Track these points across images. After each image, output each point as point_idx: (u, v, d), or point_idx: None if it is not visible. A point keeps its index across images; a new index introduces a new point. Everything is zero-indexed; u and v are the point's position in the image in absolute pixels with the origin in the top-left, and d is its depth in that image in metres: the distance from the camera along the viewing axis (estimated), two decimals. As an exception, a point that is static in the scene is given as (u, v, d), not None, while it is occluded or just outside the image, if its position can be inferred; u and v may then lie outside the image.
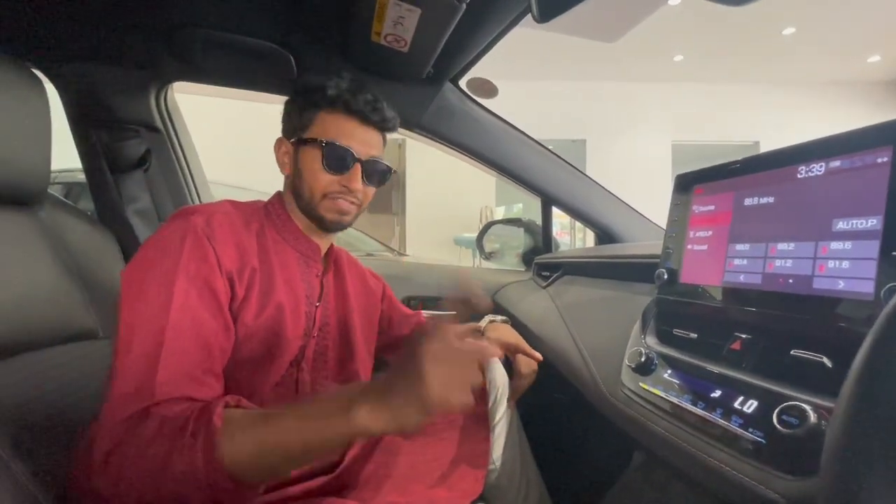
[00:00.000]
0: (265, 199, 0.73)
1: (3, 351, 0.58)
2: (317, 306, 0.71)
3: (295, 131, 0.68)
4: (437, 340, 0.43)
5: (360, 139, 0.67)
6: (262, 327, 0.61)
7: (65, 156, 1.04)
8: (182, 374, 0.50)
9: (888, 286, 0.35)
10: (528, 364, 0.83)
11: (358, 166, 0.66)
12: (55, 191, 0.88)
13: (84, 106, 1.03)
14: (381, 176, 0.70)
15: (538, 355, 0.83)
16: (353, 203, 0.68)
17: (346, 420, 0.42)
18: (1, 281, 0.60)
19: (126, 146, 1.05)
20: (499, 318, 0.91)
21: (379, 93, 0.69)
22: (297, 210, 0.70)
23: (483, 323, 0.87)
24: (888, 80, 6.07)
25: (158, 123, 1.10)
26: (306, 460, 0.47)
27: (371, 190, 0.71)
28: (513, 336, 0.86)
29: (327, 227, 0.69)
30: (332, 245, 0.77)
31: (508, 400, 0.82)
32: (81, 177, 1.12)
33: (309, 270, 0.70)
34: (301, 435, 0.44)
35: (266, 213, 0.69)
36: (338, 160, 0.65)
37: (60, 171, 2.01)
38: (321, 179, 0.66)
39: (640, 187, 4.15)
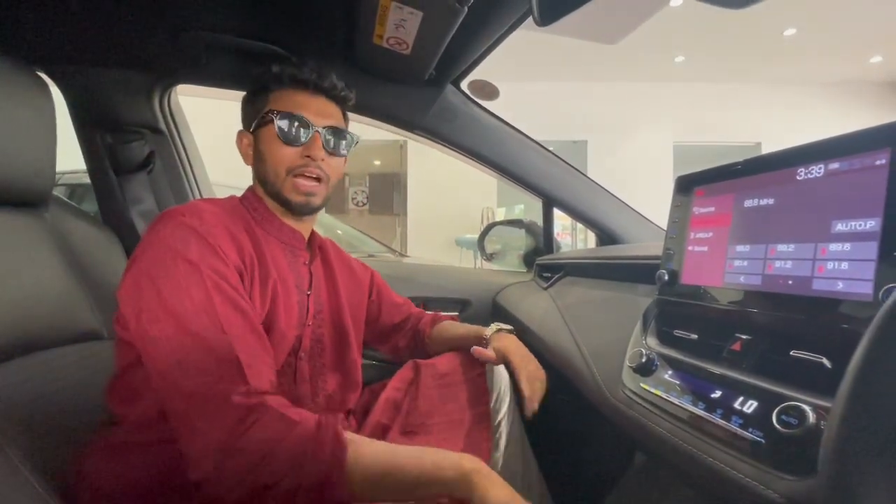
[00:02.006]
0: None
1: (8, 351, 0.58)
2: (308, 294, 0.71)
3: (251, 120, 0.69)
4: None
5: (314, 109, 0.67)
6: (264, 315, 0.62)
7: (69, 157, 1.04)
8: (257, 360, 0.52)
9: (886, 287, 0.36)
10: (528, 379, 0.79)
11: (317, 134, 0.66)
12: (59, 192, 0.89)
13: (88, 108, 1.04)
14: (342, 143, 0.70)
15: (529, 394, 0.78)
16: (317, 178, 0.67)
17: (453, 481, 0.49)
18: (6, 282, 0.60)
19: (130, 148, 1.06)
20: (506, 326, 0.89)
21: (381, 95, 0.70)
22: (268, 198, 0.70)
23: (489, 331, 0.86)
24: (890, 80, 6.05)
25: (162, 126, 1.11)
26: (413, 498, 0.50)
27: (336, 161, 0.69)
28: (515, 352, 0.82)
29: (294, 210, 0.69)
30: (314, 232, 0.78)
31: (523, 414, 0.81)
32: (86, 178, 1.13)
33: (296, 259, 0.71)
34: (415, 481, 0.49)
35: (245, 208, 0.69)
36: (294, 130, 0.65)
37: (65, 173, 2.03)
38: (281, 155, 0.66)
39: (642, 188, 4.15)
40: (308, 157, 0.65)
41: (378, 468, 0.49)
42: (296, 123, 0.65)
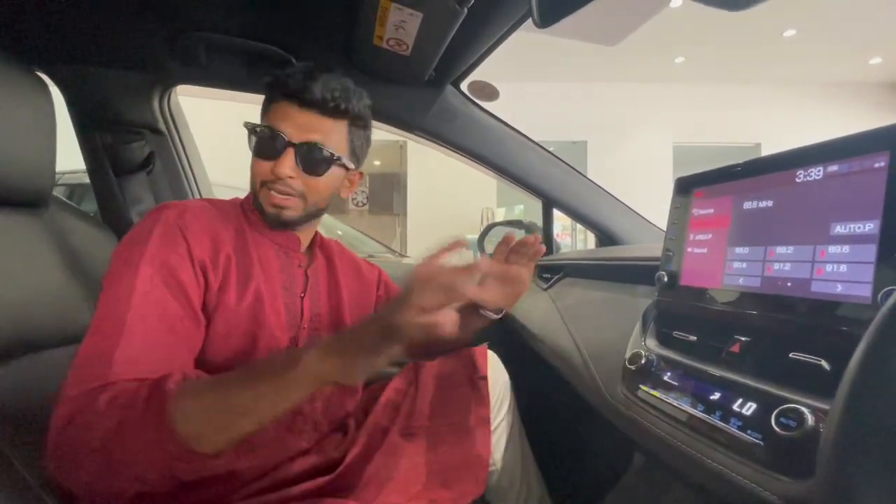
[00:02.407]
0: None
1: (8, 352, 0.58)
2: (302, 297, 0.70)
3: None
4: (423, 265, 0.42)
5: (296, 122, 0.62)
6: (245, 316, 0.61)
7: (69, 157, 1.04)
8: (142, 356, 0.49)
9: (885, 290, 0.36)
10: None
11: (290, 151, 0.61)
12: (58, 192, 0.89)
13: (88, 109, 1.04)
14: (320, 163, 0.63)
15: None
16: (287, 194, 0.63)
17: (295, 369, 0.42)
18: (5, 282, 0.60)
19: (130, 148, 1.06)
20: None
21: (381, 96, 0.68)
22: None
23: None
24: (890, 81, 6.06)
25: (162, 126, 1.11)
26: (260, 417, 0.44)
27: (313, 181, 0.64)
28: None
29: (269, 221, 0.66)
30: (317, 235, 0.77)
31: (523, 415, 0.79)
32: (85, 178, 1.13)
33: (290, 262, 0.70)
34: (253, 389, 0.43)
35: (243, 208, 0.69)
36: (265, 144, 0.62)
37: (64, 173, 2.03)
38: (256, 168, 0.64)
39: (641, 189, 4.15)
40: (275, 173, 0.62)
41: (212, 413, 0.44)
42: (266, 137, 0.62)
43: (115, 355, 0.48)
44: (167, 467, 0.43)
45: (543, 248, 0.73)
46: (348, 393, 0.78)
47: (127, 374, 0.47)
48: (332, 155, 0.64)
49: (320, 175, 0.64)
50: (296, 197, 0.64)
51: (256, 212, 0.68)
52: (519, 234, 1.34)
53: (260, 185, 0.64)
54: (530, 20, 0.65)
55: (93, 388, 0.46)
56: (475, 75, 1.09)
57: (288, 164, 0.61)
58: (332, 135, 0.64)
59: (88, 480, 0.44)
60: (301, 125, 0.62)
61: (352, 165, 0.69)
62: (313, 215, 0.69)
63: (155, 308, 0.52)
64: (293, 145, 0.62)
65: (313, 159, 0.63)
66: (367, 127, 0.70)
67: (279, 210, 0.64)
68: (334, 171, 0.66)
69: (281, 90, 0.63)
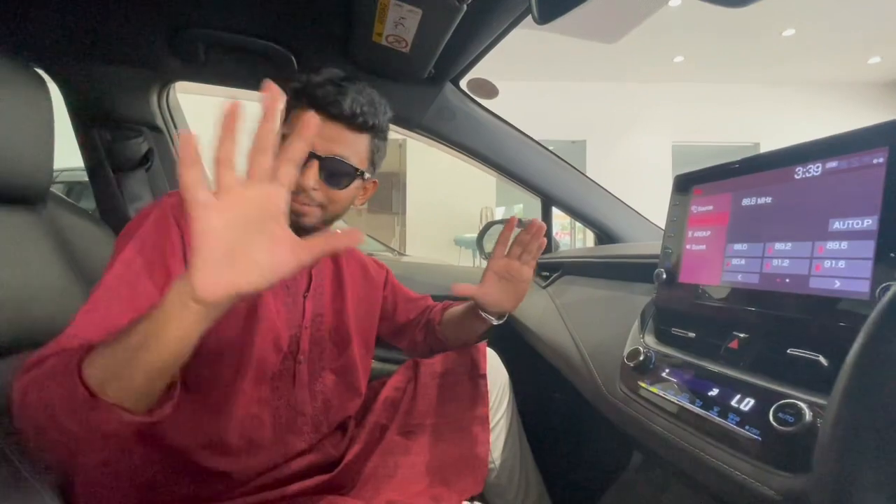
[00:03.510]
0: None
1: (6, 348, 0.58)
2: (305, 296, 0.70)
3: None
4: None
5: (321, 134, 0.62)
6: (237, 310, 0.60)
7: (67, 154, 1.04)
8: (92, 327, 0.48)
9: (883, 285, 0.36)
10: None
11: (314, 163, 0.61)
12: (56, 190, 0.89)
13: (86, 105, 1.04)
14: (344, 178, 0.64)
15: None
16: (307, 205, 0.63)
17: (163, 299, 0.39)
18: (3, 279, 0.60)
19: (128, 145, 1.06)
20: None
21: (380, 93, 0.67)
22: None
23: None
24: (888, 81, 6.07)
25: (160, 123, 1.11)
26: (152, 359, 0.40)
27: (335, 193, 0.64)
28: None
29: None
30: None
31: (521, 412, 0.79)
32: (83, 176, 1.13)
33: None
34: (138, 329, 0.40)
35: None
36: None
37: (62, 170, 2.02)
38: None
39: (641, 188, 4.15)
40: (298, 184, 0.61)
41: (111, 357, 0.42)
42: None
43: (70, 329, 0.47)
44: (84, 419, 0.41)
45: (545, 240, 0.73)
46: (350, 397, 0.78)
47: (72, 344, 0.46)
48: (356, 170, 0.64)
49: (343, 188, 0.65)
50: (316, 207, 0.64)
51: None
52: (517, 233, 1.34)
53: None
54: (530, 17, 0.65)
55: (34, 360, 0.45)
56: (475, 73, 1.09)
57: (312, 177, 0.61)
58: (355, 148, 0.65)
59: (35, 438, 0.44)
60: (326, 138, 0.62)
61: (369, 175, 0.69)
62: (329, 223, 0.69)
63: (126, 288, 0.51)
64: (318, 158, 0.61)
65: (337, 173, 0.63)
66: (386, 138, 0.71)
67: (298, 216, 0.64)
68: (355, 184, 0.66)
69: (308, 100, 0.62)
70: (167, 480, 0.60)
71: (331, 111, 0.61)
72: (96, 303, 0.50)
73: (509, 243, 0.76)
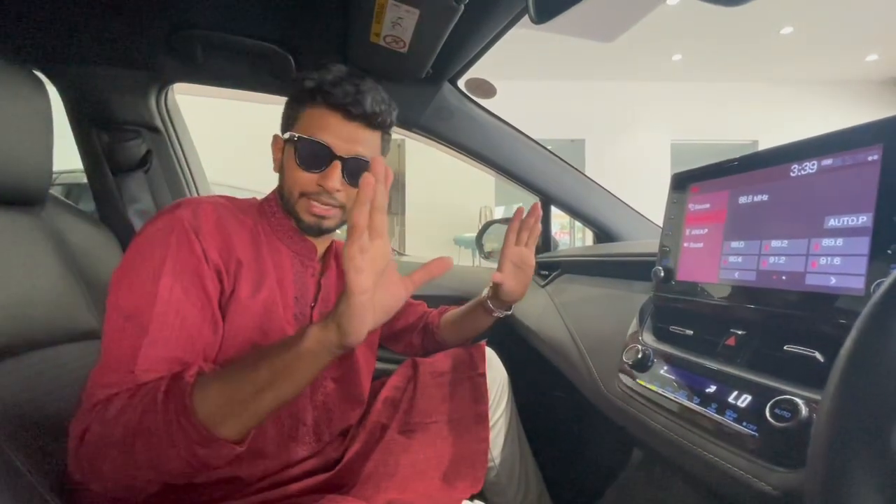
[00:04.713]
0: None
1: (5, 350, 0.58)
2: (312, 307, 0.70)
3: (284, 128, 0.66)
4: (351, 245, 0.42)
5: (342, 135, 0.62)
6: (253, 325, 0.60)
7: (66, 157, 1.04)
8: (164, 362, 0.50)
9: (878, 282, 0.36)
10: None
11: (337, 164, 0.61)
12: (55, 192, 0.89)
13: (85, 107, 1.04)
14: None
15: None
16: (330, 206, 0.64)
17: (301, 343, 0.44)
18: (3, 281, 0.60)
19: (127, 147, 1.06)
20: None
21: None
22: (283, 209, 0.67)
23: (486, 291, 0.85)
24: (886, 78, 6.08)
25: (159, 124, 1.11)
26: (277, 393, 0.45)
27: (355, 191, 0.67)
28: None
29: (305, 229, 0.66)
30: (333, 242, 0.76)
31: (521, 411, 0.80)
32: (82, 178, 1.13)
33: (305, 271, 0.69)
34: (267, 367, 0.45)
35: (261, 211, 0.68)
36: (312, 157, 0.62)
37: (61, 172, 2.02)
38: (297, 178, 0.63)
39: (639, 187, 4.16)
40: (321, 185, 0.62)
41: (231, 396, 0.45)
42: (315, 151, 0.61)
43: (136, 365, 0.49)
44: (190, 455, 0.44)
45: (540, 213, 0.78)
46: (351, 406, 0.78)
47: (147, 378, 0.49)
48: None
49: None
50: (338, 208, 0.65)
51: (279, 217, 0.67)
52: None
53: (299, 195, 0.64)
54: (527, 16, 0.65)
55: (105, 397, 0.47)
56: (473, 72, 1.09)
57: (336, 179, 0.62)
58: (373, 146, 0.66)
59: (111, 479, 0.46)
60: (346, 138, 0.62)
61: None
62: (344, 223, 0.69)
63: (175, 317, 0.52)
64: (341, 159, 0.62)
65: (360, 173, 0.63)
66: (391, 134, 0.72)
67: (320, 220, 0.64)
68: None
69: (325, 98, 0.61)
70: (166, 485, 0.60)
71: (352, 111, 0.61)
72: (154, 332, 0.51)
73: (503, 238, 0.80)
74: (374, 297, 0.45)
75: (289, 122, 0.66)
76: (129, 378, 0.48)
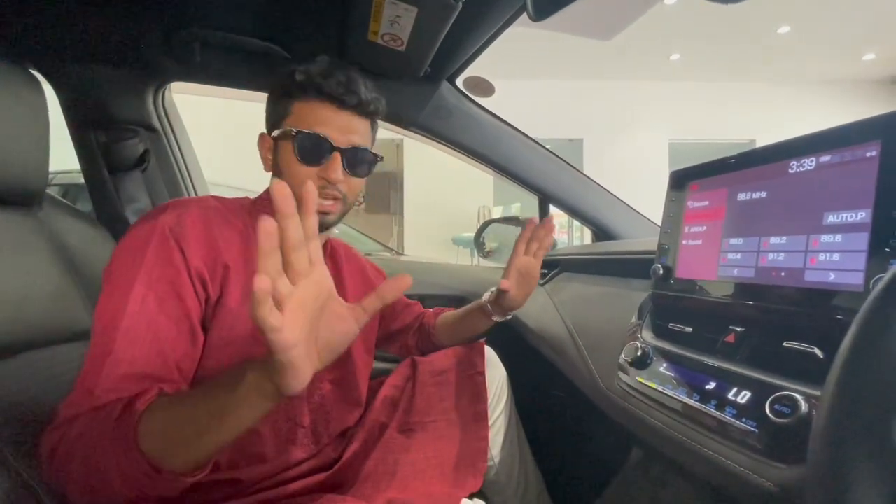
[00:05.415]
0: None
1: (2, 350, 0.58)
2: None
3: (273, 125, 0.65)
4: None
5: (337, 125, 0.61)
6: (244, 327, 0.58)
7: (63, 157, 1.04)
8: (128, 380, 0.48)
9: (876, 278, 0.36)
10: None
11: (337, 155, 0.61)
12: (52, 192, 0.88)
13: (82, 107, 1.03)
14: (367, 165, 0.65)
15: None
16: (334, 198, 0.64)
17: (237, 389, 0.39)
18: (0, 281, 0.60)
19: (124, 146, 1.06)
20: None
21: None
22: None
23: (486, 296, 0.84)
24: (883, 77, 6.10)
25: (156, 124, 1.11)
26: (219, 436, 0.41)
27: (357, 182, 0.65)
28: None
29: None
30: (328, 240, 0.76)
31: (520, 410, 0.80)
32: (79, 178, 1.13)
33: None
34: (205, 410, 0.41)
35: (253, 210, 0.66)
36: (312, 150, 0.61)
37: (58, 172, 2.01)
38: (297, 172, 0.61)
39: (638, 186, 4.16)
40: (324, 178, 0.61)
41: (173, 434, 0.42)
42: (315, 144, 0.61)
43: (99, 380, 0.47)
44: (139, 485, 0.42)
45: (553, 238, 0.77)
46: (349, 409, 0.77)
47: (108, 399, 0.46)
48: (375, 155, 0.66)
49: (363, 177, 0.66)
50: (340, 200, 0.65)
51: (271, 214, 0.66)
52: (516, 231, 1.34)
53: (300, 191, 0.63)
54: (525, 14, 0.65)
55: (70, 416, 0.46)
56: (471, 71, 1.09)
57: (338, 169, 0.61)
58: (366, 134, 0.66)
59: (84, 494, 0.45)
60: (342, 128, 0.62)
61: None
62: (344, 216, 0.69)
63: (146, 330, 0.50)
64: (340, 150, 0.62)
65: (359, 162, 0.64)
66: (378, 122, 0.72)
67: (324, 216, 0.64)
68: (367, 174, 0.67)
69: (317, 91, 0.61)
70: None
71: (346, 101, 0.61)
72: (119, 350, 0.49)
73: (502, 237, 0.78)
74: (319, 337, 0.39)
75: (277, 118, 0.64)
76: (89, 400, 0.46)
